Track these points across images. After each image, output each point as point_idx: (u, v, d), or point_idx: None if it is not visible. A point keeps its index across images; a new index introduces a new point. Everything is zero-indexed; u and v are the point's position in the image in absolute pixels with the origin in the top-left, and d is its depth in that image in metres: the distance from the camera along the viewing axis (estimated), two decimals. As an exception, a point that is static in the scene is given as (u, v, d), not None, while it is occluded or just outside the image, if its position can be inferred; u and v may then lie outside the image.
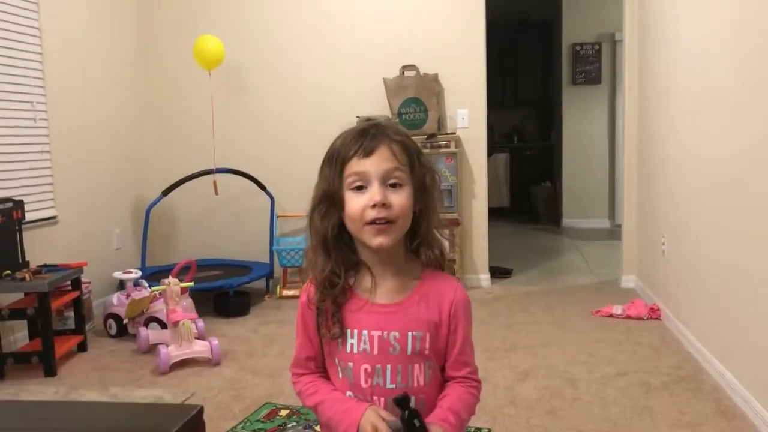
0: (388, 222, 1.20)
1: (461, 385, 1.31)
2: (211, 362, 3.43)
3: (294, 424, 2.69)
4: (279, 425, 2.68)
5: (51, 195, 4.07)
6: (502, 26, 7.80)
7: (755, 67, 2.55)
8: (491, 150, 6.90)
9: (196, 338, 3.50)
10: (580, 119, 7.86)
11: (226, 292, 4.41)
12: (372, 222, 1.20)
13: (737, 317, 2.77)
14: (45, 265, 3.62)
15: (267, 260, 4.97)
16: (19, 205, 3.52)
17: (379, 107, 4.83)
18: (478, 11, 4.83)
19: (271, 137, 5.12)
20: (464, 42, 4.85)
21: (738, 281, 2.76)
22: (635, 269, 4.82)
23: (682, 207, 3.57)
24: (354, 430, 1.20)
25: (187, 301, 3.83)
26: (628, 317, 4.04)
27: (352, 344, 1.25)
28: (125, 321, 3.94)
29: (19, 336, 3.70)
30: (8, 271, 3.36)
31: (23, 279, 3.32)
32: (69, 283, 3.65)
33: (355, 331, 1.25)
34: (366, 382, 1.25)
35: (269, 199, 4.95)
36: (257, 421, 2.73)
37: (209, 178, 4.66)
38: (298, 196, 5.01)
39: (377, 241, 1.21)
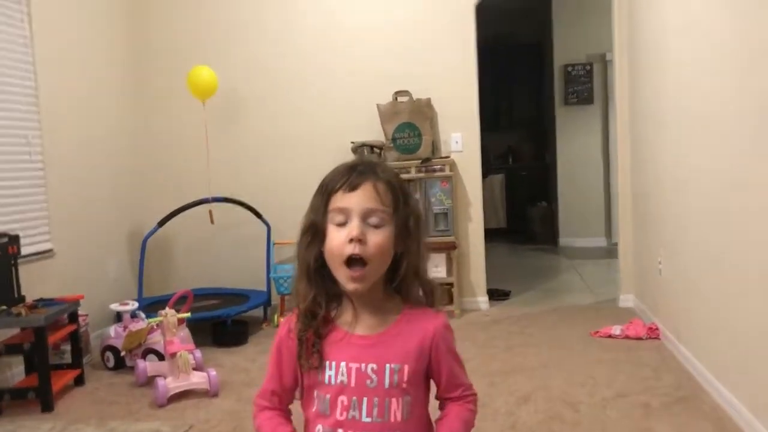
0: (363, 263, 1.20)
1: (457, 403, 1.33)
2: (209, 393, 3.41)
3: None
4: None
5: (47, 228, 4.07)
6: (495, 50, 7.87)
7: (743, 87, 2.58)
8: (487, 171, 6.92)
9: (194, 369, 3.48)
10: (574, 139, 7.90)
11: (223, 322, 4.40)
12: (348, 260, 1.20)
13: (735, 336, 2.77)
14: (41, 300, 3.61)
15: (264, 288, 4.96)
16: (14, 240, 3.51)
17: (373, 133, 4.86)
18: (470, 36, 4.88)
19: (267, 165, 5.14)
20: (456, 67, 4.90)
21: (734, 300, 2.76)
22: (633, 288, 4.82)
23: (676, 226, 3.58)
24: None
25: (185, 332, 3.81)
26: (627, 337, 4.04)
27: (329, 376, 1.25)
28: (122, 353, 3.91)
29: (15, 371, 3.68)
30: (4, 307, 3.35)
31: (19, 314, 3.30)
32: (66, 316, 3.64)
33: (333, 363, 1.25)
34: (342, 414, 1.24)
35: (266, 226, 4.95)
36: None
37: (205, 207, 4.67)
38: (294, 223, 4.87)
39: (351, 286, 1.22)
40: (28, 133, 3.95)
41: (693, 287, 3.34)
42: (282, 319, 4.76)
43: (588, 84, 7.80)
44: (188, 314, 3.77)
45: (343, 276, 1.22)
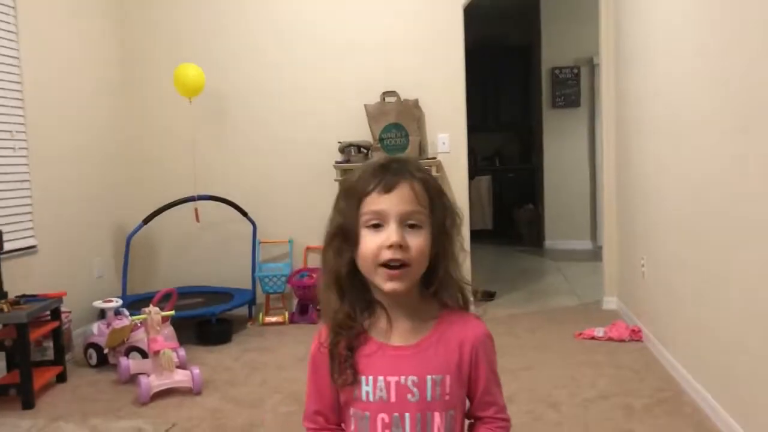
0: (403, 265, 1.13)
1: (488, 427, 1.24)
2: (193, 392, 3.40)
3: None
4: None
5: (30, 224, 4.04)
6: (483, 51, 7.89)
7: (728, 94, 2.61)
8: (474, 173, 6.94)
9: (177, 367, 3.47)
10: (560, 142, 7.94)
11: (208, 320, 4.38)
12: (386, 264, 1.13)
13: (716, 339, 2.80)
14: (24, 296, 3.58)
15: (249, 287, 4.95)
16: (-3, 235, 3.49)
17: (360, 133, 4.85)
18: (458, 38, 4.89)
19: (253, 164, 5.12)
20: (444, 68, 4.91)
21: (714, 303, 2.79)
22: (617, 291, 4.86)
23: (659, 229, 3.61)
24: None
25: (168, 330, 3.80)
26: (610, 339, 4.06)
27: (367, 392, 1.17)
28: (106, 351, 3.89)
29: (-3, 368, 3.65)
30: (-14, 302, 3.33)
31: (1, 310, 3.28)
32: (48, 313, 3.61)
33: (370, 378, 1.17)
34: None
35: (251, 225, 4.94)
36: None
37: (190, 205, 4.65)
38: (280, 222, 5.02)
39: (390, 286, 1.14)
40: (13, 128, 3.91)
41: (674, 290, 3.37)
42: (266, 319, 4.71)
43: (575, 87, 7.84)
44: (172, 312, 3.76)
45: (380, 277, 1.14)
